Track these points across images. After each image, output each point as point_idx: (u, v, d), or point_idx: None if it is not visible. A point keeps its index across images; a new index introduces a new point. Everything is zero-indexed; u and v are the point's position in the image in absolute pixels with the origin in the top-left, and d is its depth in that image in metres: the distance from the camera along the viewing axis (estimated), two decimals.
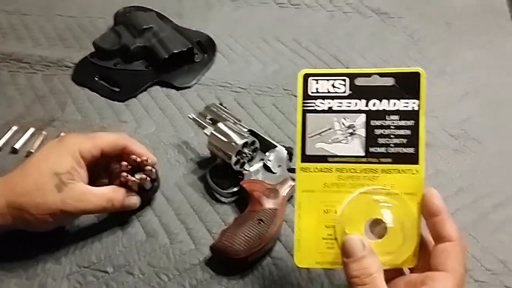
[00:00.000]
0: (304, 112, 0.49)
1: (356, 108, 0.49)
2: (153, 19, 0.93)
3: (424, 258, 0.47)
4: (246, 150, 0.67)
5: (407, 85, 0.48)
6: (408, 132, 0.48)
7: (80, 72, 0.88)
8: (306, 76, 0.49)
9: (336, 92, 0.49)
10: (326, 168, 0.49)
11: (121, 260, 0.61)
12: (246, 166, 0.67)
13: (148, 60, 0.88)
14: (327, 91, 0.49)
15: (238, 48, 0.94)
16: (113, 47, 0.88)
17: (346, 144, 0.49)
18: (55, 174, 0.57)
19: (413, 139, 0.48)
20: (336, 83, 0.49)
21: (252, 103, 0.82)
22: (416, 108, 0.48)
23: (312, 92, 0.49)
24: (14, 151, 0.74)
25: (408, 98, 0.48)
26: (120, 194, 0.62)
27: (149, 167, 0.63)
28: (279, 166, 0.67)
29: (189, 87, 0.85)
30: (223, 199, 0.68)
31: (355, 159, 0.49)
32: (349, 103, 0.49)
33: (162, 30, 0.89)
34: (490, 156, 0.72)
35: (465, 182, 0.68)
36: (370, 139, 0.48)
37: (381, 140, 0.48)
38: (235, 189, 0.67)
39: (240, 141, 0.66)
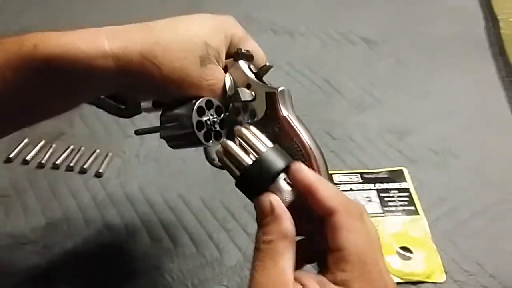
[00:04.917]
0: None
1: (368, 188, 0.75)
2: None
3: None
4: (207, 118, 0.49)
5: (397, 176, 0.77)
6: (406, 198, 0.73)
7: None
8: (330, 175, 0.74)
9: (353, 181, 0.76)
10: None
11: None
12: (223, 133, 0.52)
13: None
14: (346, 181, 0.76)
15: None
16: None
17: (367, 206, 0.71)
18: (205, 43, 0.48)
19: (411, 202, 0.73)
20: (352, 176, 0.77)
21: None
22: (406, 186, 0.75)
23: (336, 182, 0.76)
24: (26, 162, 0.79)
25: (400, 182, 0.76)
26: None
27: None
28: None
29: None
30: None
31: (375, 215, 0.71)
32: (363, 185, 0.75)
33: None
34: (467, 170, 0.78)
35: (445, 192, 0.74)
36: (383, 203, 0.72)
37: (390, 204, 0.73)
38: None
39: (192, 111, 0.48)
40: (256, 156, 0.42)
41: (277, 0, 1.25)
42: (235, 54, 0.51)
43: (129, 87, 0.48)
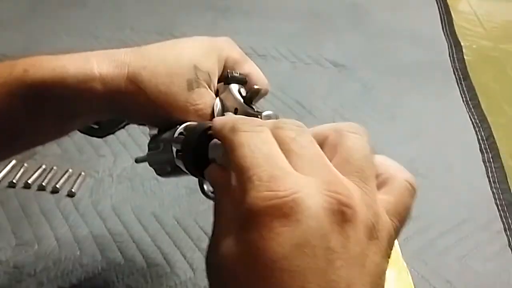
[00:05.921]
0: None
1: None
2: None
3: None
4: None
5: None
6: None
7: None
8: None
9: None
10: None
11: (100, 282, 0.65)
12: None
13: None
14: None
15: None
16: None
17: None
18: (194, 67, 0.47)
19: None
20: None
21: None
22: None
23: None
24: None
25: None
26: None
27: None
28: None
29: None
30: None
31: None
32: None
33: None
34: (435, 190, 0.81)
35: (414, 212, 0.75)
36: None
37: None
38: None
39: (173, 136, 0.45)
40: None
41: (249, 25, 1.28)
42: (225, 78, 0.48)
43: (119, 111, 0.47)
